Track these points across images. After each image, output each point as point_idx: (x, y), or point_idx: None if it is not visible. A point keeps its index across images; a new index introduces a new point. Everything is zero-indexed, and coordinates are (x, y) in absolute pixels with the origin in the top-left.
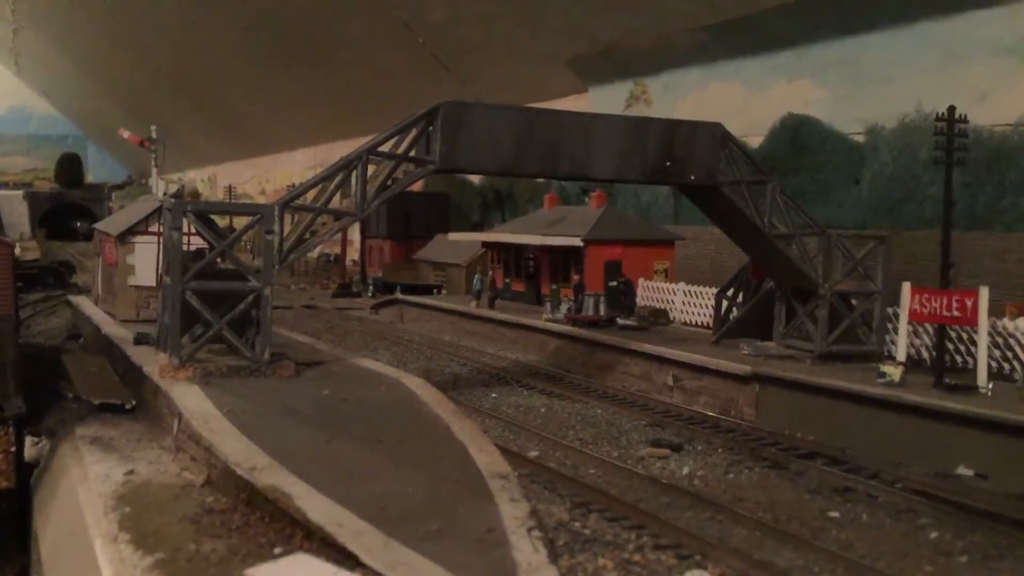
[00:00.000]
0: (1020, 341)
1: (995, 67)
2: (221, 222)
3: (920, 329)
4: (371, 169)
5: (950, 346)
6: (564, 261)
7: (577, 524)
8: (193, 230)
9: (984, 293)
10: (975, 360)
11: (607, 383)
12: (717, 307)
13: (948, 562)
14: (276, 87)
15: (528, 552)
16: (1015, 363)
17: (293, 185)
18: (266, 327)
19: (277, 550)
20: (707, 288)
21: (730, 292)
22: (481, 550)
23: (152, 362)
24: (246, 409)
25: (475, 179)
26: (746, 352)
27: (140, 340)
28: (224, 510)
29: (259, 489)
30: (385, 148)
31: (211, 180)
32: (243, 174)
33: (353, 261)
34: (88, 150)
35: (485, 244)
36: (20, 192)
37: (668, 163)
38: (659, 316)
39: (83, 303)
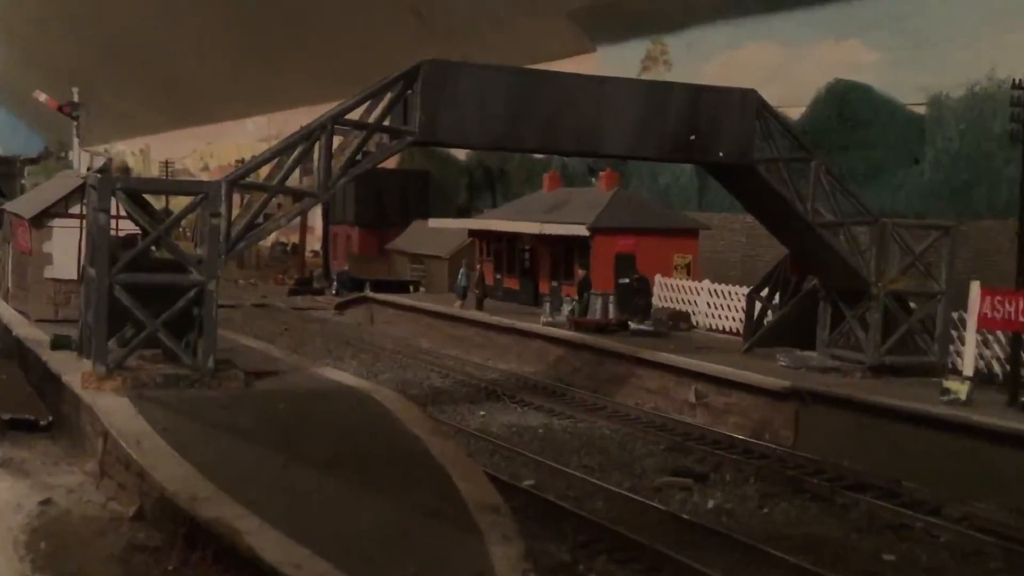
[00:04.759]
0: None
1: None
2: (156, 203)
3: (991, 338)
4: (337, 141)
5: None
6: (567, 254)
7: (582, 567)
8: (123, 212)
9: None
10: None
11: (617, 399)
12: (749, 310)
13: None
14: (222, 44)
15: None
16: None
17: (243, 160)
18: (210, 329)
19: None
20: (737, 287)
21: (764, 292)
22: None
23: (73, 370)
24: (186, 427)
25: (461, 154)
26: (783, 363)
27: (58, 344)
28: (159, 548)
29: (201, 523)
30: (354, 116)
31: (143, 153)
32: (182, 147)
33: (314, 252)
34: None
35: (472, 233)
36: None
37: (692, 137)
38: (679, 320)
39: None
